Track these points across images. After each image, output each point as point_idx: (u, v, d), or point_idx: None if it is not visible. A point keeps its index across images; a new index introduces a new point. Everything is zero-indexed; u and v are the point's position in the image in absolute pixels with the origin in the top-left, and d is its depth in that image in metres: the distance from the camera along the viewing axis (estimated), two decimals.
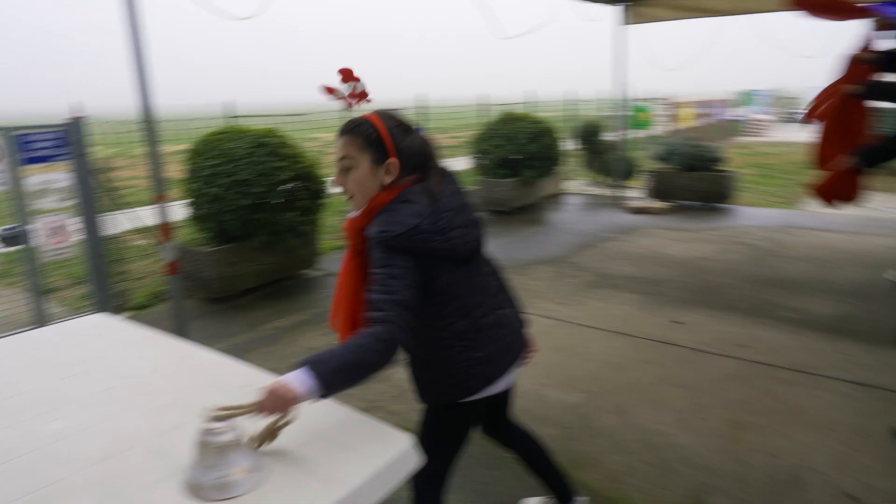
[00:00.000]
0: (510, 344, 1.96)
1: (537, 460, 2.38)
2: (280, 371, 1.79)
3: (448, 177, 1.83)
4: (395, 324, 1.56)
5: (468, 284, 1.83)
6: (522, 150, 8.88)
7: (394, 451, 1.41)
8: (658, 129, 13.65)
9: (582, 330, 4.74)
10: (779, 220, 8.39)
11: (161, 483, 1.26)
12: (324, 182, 6.09)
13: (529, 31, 7.66)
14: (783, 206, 9.54)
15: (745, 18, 8.06)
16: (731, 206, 9.40)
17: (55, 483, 1.26)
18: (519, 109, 10.16)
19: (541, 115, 9.92)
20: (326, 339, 4.65)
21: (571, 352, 4.34)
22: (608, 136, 11.52)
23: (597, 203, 10.01)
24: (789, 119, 28.36)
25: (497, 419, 2.30)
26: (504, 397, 2.24)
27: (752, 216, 8.76)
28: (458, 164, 10.95)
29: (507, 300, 2.03)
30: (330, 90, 1.82)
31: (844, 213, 7.91)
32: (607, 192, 10.90)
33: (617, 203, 9.79)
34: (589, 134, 11.29)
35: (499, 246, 7.33)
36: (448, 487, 2.09)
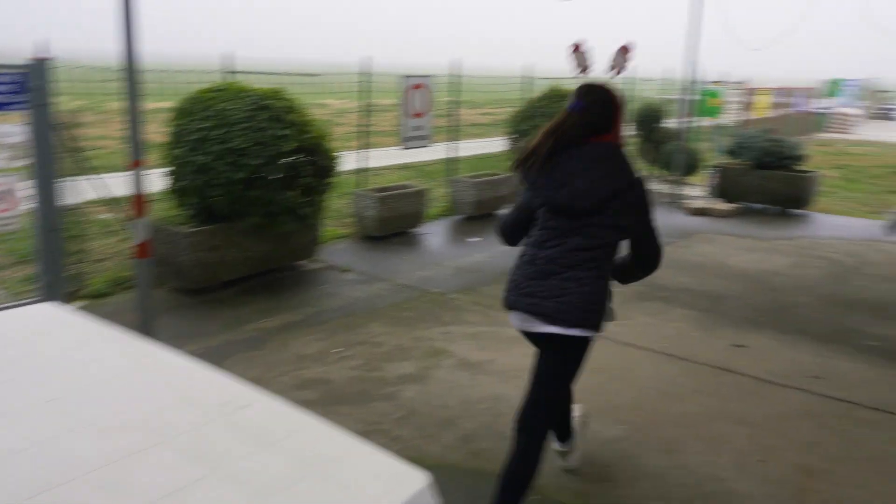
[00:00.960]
0: (520, 286, 2.64)
1: (517, 484, 2.62)
2: (265, 382, 1.71)
3: (575, 152, 2.56)
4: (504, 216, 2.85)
5: (549, 229, 2.59)
6: None
7: (405, 493, 1.31)
8: (728, 117, 13.38)
9: (626, 350, 4.63)
10: (864, 231, 8.22)
11: None
12: (334, 157, 5.98)
13: None
14: (870, 215, 9.33)
15: None
16: (809, 212, 9.21)
17: None
18: (568, 85, 10.00)
19: None
20: (322, 344, 4.56)
21: (613, 375, 4.23)
22: (670, 123, 11.33)
23: (656, 202, 9.84)
24: (882, 115, 27.88)
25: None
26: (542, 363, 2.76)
27: (833, 226, 8.59)
28: (491, 145, 10.82)
29: (565, 264, 2.58)
30: (577, 48, 2.68)
31: None
32: (665, 188, 10.74)
33: (675, 202, 9.65)
34: (647, 120, 11.09)
35: None
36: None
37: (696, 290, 5.88)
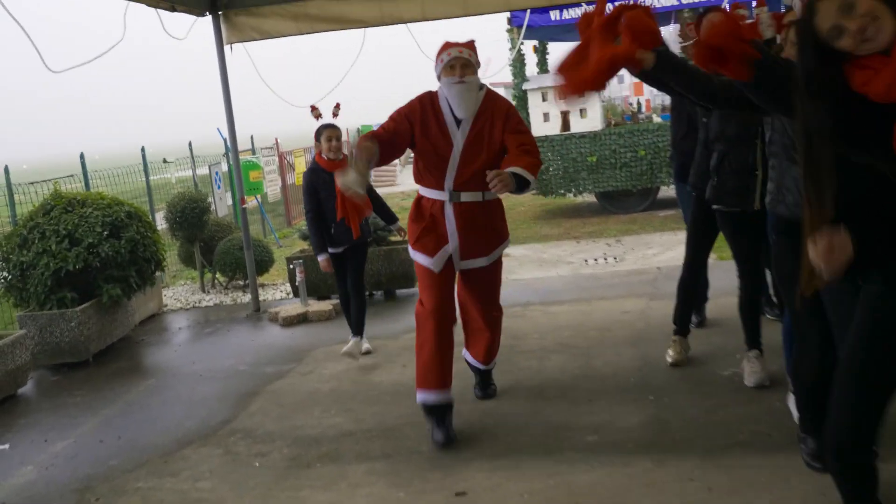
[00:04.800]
0: None
1: None
2: None
3: None
4: None
5: None
6: (95, 254, 7.62)
7: None
8: (273, 189, 13.50)
9: None
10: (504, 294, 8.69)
11: None
12: None
13: (94, 57, 6.70)
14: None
15: (395, 28, 8.41)
16: (414, 288, 9.53)
17: None
18: (72, 187, 8.91)
19: (114, 193, 8.82)
20: None
21: None
22: (218, 213, 10.89)
23: (227, 318, 9.19)
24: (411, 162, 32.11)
25: None
26: None
27: None
28: None
29: None
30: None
31: (546, 277, 8.55)
32: (236, 298, 10.14)
33: (260, 314, 9.12)
34: (189, 216, 10.33)
35: (96, 429, 5.95)
36: None
37: (360, 431, 5.36)
